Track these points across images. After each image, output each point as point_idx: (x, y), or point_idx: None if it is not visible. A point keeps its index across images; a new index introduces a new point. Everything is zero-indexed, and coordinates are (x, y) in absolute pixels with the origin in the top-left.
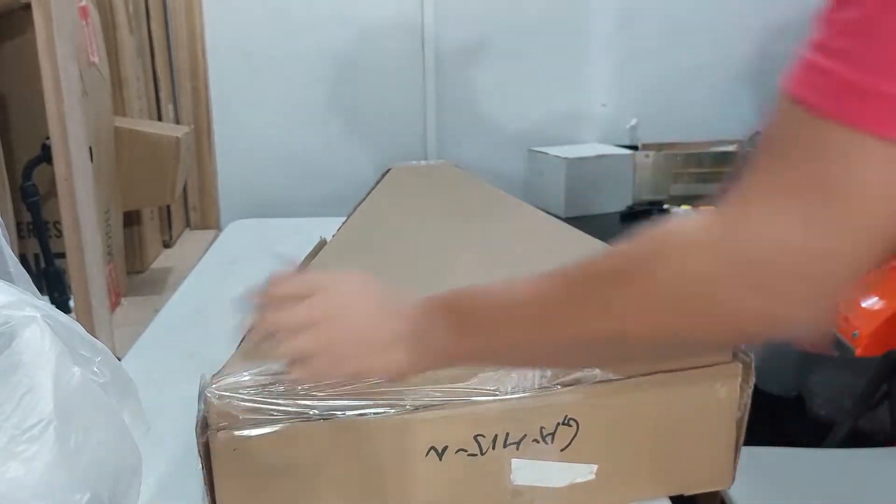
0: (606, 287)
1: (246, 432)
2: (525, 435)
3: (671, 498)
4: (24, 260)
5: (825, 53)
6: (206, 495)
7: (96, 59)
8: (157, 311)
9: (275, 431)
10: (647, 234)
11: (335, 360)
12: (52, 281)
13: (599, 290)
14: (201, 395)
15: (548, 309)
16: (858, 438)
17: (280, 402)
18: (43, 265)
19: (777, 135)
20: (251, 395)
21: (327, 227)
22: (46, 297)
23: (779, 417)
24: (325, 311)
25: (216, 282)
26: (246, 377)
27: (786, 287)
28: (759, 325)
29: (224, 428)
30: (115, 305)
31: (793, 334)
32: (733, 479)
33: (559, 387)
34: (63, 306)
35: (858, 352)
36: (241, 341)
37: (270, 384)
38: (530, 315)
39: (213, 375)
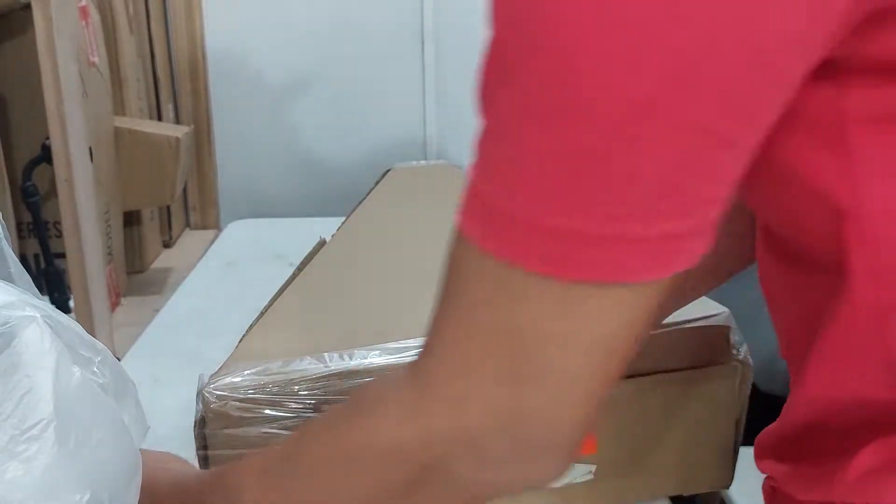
0: (311, 473)
1: (243, 431)
2: None
3: (671, 498)
4: (24, 260)
5: (480, 173)
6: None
7: (96, 59)
8: (157, 311)
9: (272, 431)
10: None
11: None
12: (52, 281)
13: (307, 476)
14: (199, 395)
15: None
16: None
17: (277, 401)
18: (43, 265)
19: (449, 266)
20: (249, 394)
21: (327, 227)
22: (46, 297)
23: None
24: None
25: (216, 282)
26: (243, 377)
27: (505, 453)
28: (495, 492)
29: (222, 427)
30: (115, 305)
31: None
32: (732, 479)
33: None
34: (63, 306)
35: None
36: (240, 341)
37: (268, 384)
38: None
39: (211, 375)
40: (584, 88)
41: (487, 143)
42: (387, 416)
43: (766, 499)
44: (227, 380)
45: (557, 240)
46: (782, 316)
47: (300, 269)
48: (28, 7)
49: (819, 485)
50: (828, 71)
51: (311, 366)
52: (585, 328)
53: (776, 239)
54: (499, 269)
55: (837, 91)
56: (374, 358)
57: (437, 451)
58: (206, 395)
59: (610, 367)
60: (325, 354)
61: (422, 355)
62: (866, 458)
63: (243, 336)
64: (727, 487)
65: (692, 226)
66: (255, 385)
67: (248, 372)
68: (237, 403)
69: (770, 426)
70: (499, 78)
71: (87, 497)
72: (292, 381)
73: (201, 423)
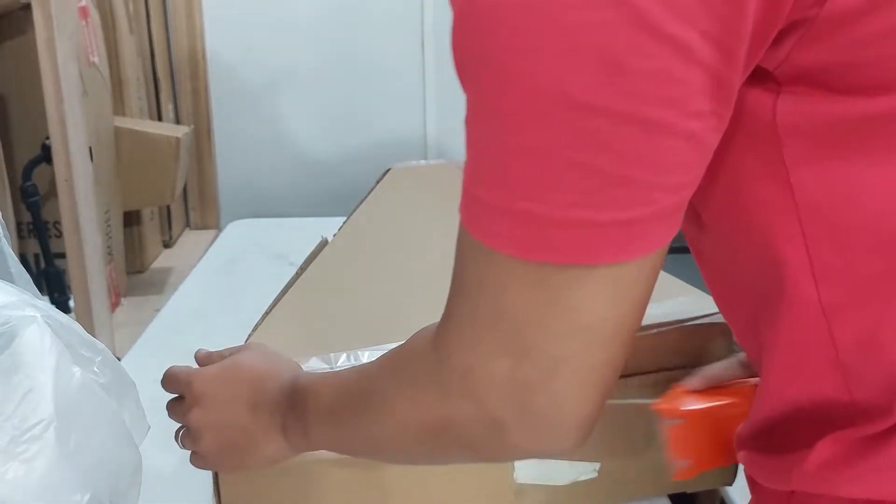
0: (360, 408)
1: None
2: None
3: (671, 497)
4: (24, 260)
5: (466, 169)
6: (214, 494)
7: (96, 59)
8: (157, 311)
9: None
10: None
11: (220, 462)
12: (52, 281)
13: (355, 409)
14: None
15: (339, 409)
16: None
17: None
18: (43, 265)
19: (456, 251)
20: None
21: (327, 227)
22: (46, 297)
23: None
24: (203, 425)
25: (216, 282)
26: None
27: (511, 420)
28: (505, 455)
29: None
30: (115, 305)
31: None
32: (735, 477)
33: None
34: (63, 306)
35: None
36: (246, 340)
37: None
38: (325, 412)
39: None
40: (527, 91)
41: (466, 134)
42: (413, 377)
43: (749, 487)
44: None
45: (525, 225)
46: (726, 305)
47: (303, 268)
48: (28, 7)
49: (781, 475)
50: (762, 78)
51: (317, 365)
52: (565, 312)
53: (715, 236)
54: (488, 256)
55: (770, 98)
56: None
57: (453, 412)
58: None
59: (600, 349)
60: (332, 354)
61: (440, 326)
62: (823, 450)
63: (250, 335)
64: (730, 485)
65: (648, 212)
66: None
67: None
68: None
69: (747, 418)
70: (463, 76)
71: (87, 497)
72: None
73: None
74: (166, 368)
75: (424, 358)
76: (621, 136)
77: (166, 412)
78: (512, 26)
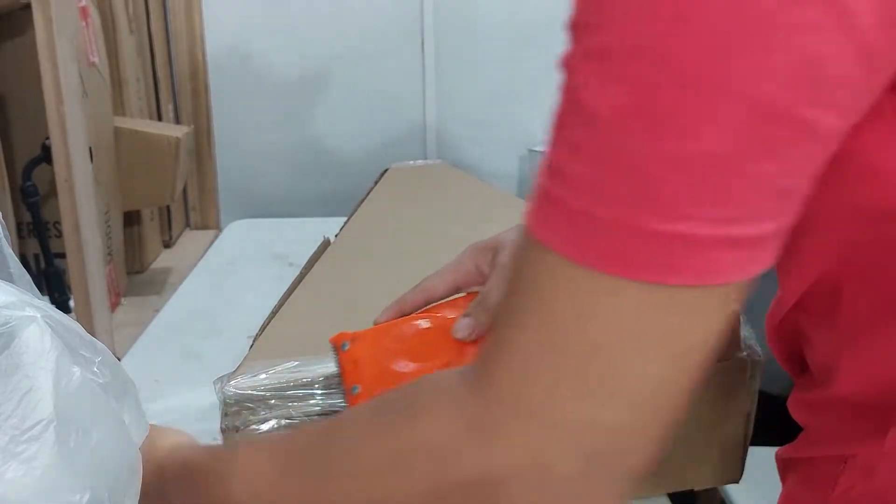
0: (332, 479)
1: (264, 427)
2: None
3: (670, 496)
4: (24, 260)
5: (556, 177)
6: None
7: (96, 59)
8: (157, 311)
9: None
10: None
11: None
12: (52, 281)
13: (331, 481)
14: (219, 395)
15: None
16: None
17: (297, 400)
18: (43, 265)
19: (520, 274)
20: (268, 393)
21: (327, 227)
22: (46, 297)
23: (779, 417)
24: None
25: (216, 282)
26: (266, 375)
27: (572, 472)
28: None
29: (243, 426)
30: (115, 305)
31: None
32: (741, 475)
33: None
34: (63, 306)
35: None
36: (254, 341)
37: (287, 382)
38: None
39: (229, 375)
40: (711, 94)
41: (566, 147)
42: (444, 424)
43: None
44: (247, 379)
45: (661, 245)
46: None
47: (307, 269)
48: (28, 7)
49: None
50: None
51: (328, 366)
52: (674, 340)
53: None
54: (585, 279)
55: None
56: None
57: (498, 466)
58: (226, 394)
59: (689, 378)
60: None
61: (486, 362)
62: None
63: (257, 336)
64: (737, 482)
65: (785, 224)
66: (274, 384)
67: (266, 372)
68: (257, 402)
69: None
70: (599, 84)
71: (87, 497)
72: (312, 381)
73: (222, 423)
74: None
75: (457, 402)
76: (799, 146)
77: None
78: (706, 19)
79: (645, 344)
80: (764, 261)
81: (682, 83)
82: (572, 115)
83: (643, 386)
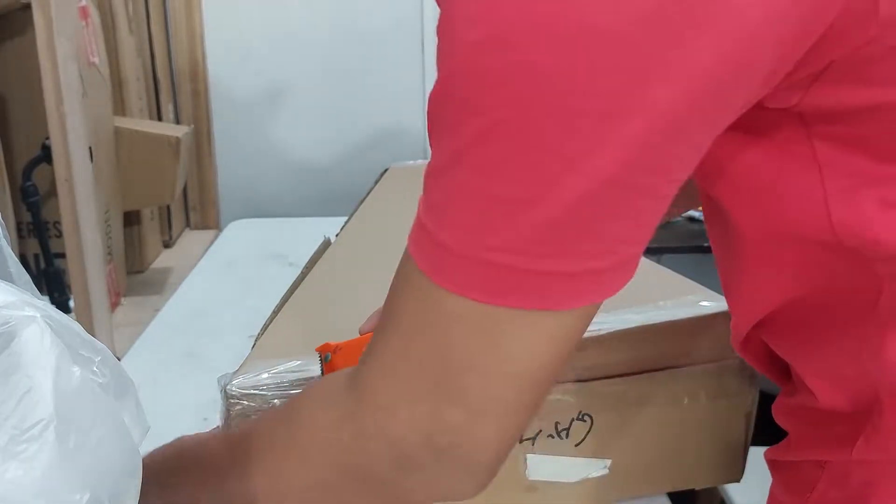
0: (258, 458)
1: None
2: (540, 430)
3: (670, 495)
4: (24, 260)
5: (425, 202)
6: None
7: (96, 59)
8: (157, 311)
9: None
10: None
11: None
12: (52, 281)
13: (257, 460)
14: (222, 394)
15: (212, 470)
16: None
17: None
18: (43, 265)
19: (395, 284)
20: (271, 392)
21: (327, 226)
22: (46, 297)
23: None
24: None
25: (216, 282)
26: (268, 374)
27: (425, 461)
28: (415, 497)
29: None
30: (115, 305)
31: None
32: (742, 474)
33: (574, 382)
34: (63, 306)
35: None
36: (256, 340)
37: (290, 382)
38: (200, 473)
39: (232, 374)
40: (513, 145)
41: (430, 179)
42: (328, 416)
43: (771, 467)
44: (250, 378)
45: (491, 271)
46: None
47: (308, 268)
48: (28, 7)
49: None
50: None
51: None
52: (509, 356)
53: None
54: (435, 295)
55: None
56: None
57: (367, 453)
58: (229, 393)
59: (529, 396)
60: None
61: (362, 363)
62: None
63: (259, 335)
64: (738, 481)
65: (613, 263)
66: (276, 383)
67: (269, 371)
68: (260, 402)
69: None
70: (440, 123)
71: (86, 497)
72: (314, 380)
73: (226, 423)
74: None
75: (339, 398)
76: (619, 201)
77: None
78: (518, 88)
79: (481, 359)
80: (599, 292)
81: (505, 138)
82: (432, 150)
83: (480, 396)
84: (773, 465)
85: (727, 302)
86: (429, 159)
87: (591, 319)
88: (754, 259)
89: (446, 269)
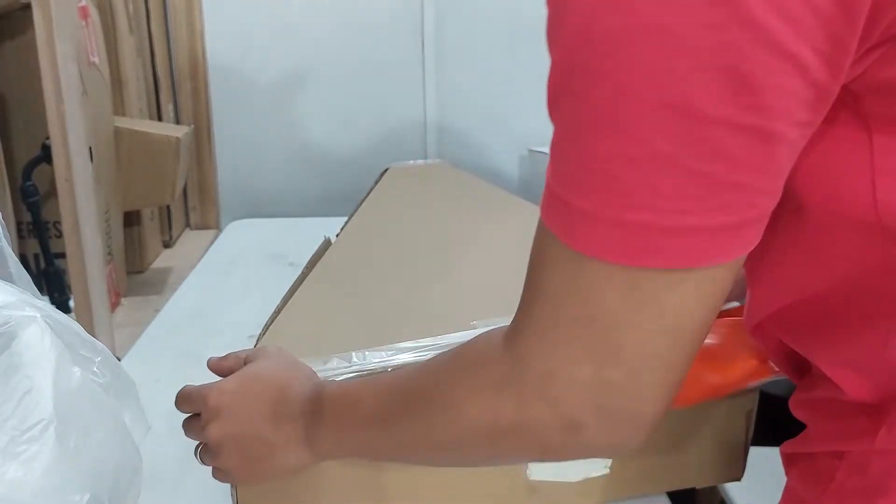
0: (418, 412)
1: None
2: None
3: (670, 495)
4: (24, 260)
5: (554, 172)
6: (231, 495)
7: (96, 59)
8: (157, 311)
9: None
10: (455, 357)
11: (242, 474)
12: (52, 281)
13: (413, 412)
14: None
15: (387, 414)
16: None
17: None
18: (43, 265)
19: (535, 257)
20: None
21: (327, 226)
22: (46, 297)
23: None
24: (223, 439)
25: (216, 282)
26: None
27: (589, 421)
28: (576, 454)
29: None
30: (115, 305)
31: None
32: (743, 473)
33: None
34: (63, 306)
35: None
36: (257, 341)
37: None
38: (368, 416)
39: None
40: (650, 104)
41: (560, 148)
42: (486, 380)
43: (785, 462)
44: None
45: (634, 233)
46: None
47: (308, 268)
48: (28, 7)
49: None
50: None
51: (339, 364)
52: (659, 313)
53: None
54: (581, 262)
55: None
56: (402, 356)
57: (527, 415)
58: None
59: (683, 348)
60: (353, 354)
61: (515, 331)
62: None
63: (260, 335)
64: (738, 480)
65: (752, 216)
66: None
67: None
68: None
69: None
70: (564, 91)
71: (87, 497)
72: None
73: None
74: (179, 389)
75: (497, 362)
76: (739, 145)
77: (183, 429)
78: (637, 48)
79: (633, 317)
80: (735, 248)
81: (626, 98)
82: (554, 121)
83: (636, 353)
84: (789, 458)
85: (748, 287)
86: (429, 159)
87: (739, 268)
88: (807, 240)
89: (589, 236)
